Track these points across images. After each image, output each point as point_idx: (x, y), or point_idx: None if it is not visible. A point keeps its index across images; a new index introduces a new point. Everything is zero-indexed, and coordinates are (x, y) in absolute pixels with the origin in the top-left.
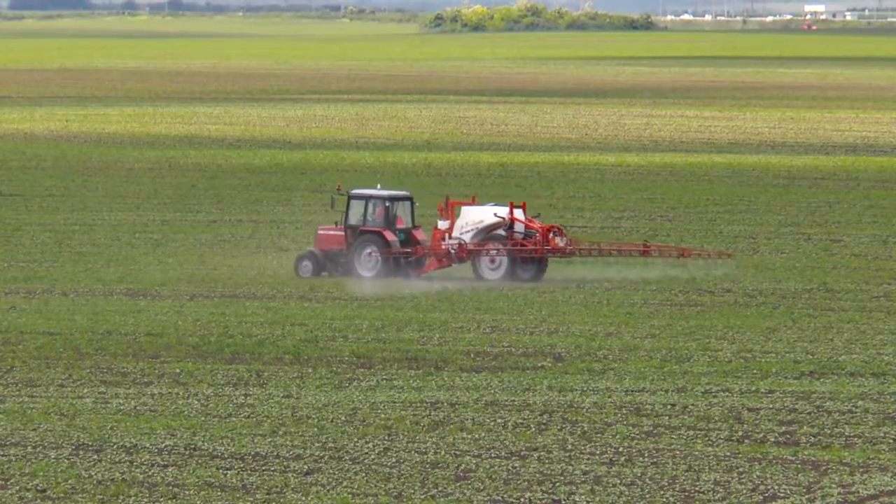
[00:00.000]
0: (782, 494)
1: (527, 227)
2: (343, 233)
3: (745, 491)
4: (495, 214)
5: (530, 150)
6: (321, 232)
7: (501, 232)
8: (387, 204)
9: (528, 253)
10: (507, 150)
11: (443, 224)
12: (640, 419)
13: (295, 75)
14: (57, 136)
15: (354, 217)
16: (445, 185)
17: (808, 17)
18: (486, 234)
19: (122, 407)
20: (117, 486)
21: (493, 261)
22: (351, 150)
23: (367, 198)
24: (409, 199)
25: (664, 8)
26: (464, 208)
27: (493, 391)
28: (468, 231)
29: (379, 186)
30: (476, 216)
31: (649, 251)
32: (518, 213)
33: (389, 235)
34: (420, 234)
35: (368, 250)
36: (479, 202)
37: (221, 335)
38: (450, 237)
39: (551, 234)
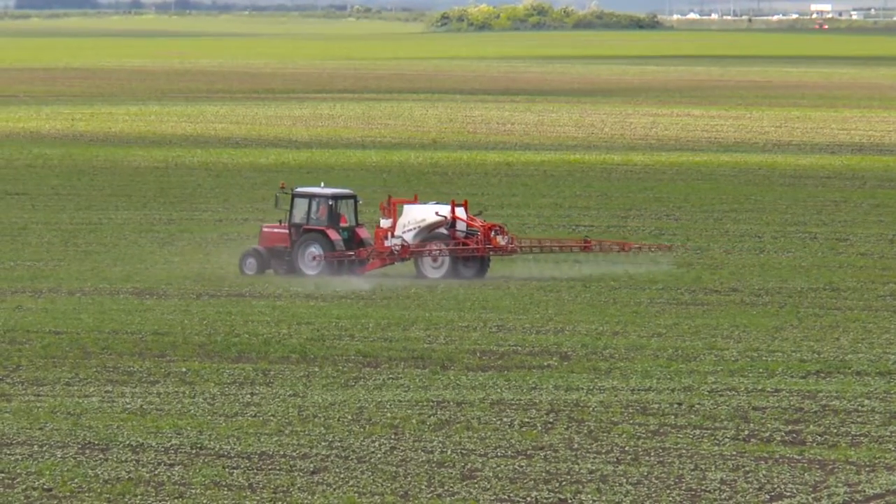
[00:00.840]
0: (788, 493)
1: (468, 225)
2: (287, 231)
3: (751, 490)
4: (437, 213)
5: (536, 149)
6: (265, 230)
7: (443, 230)
8: (330, 202)
9: (469, 252)
10: (513, 149)
11: (385, 222)
12: (646, 418)
13: (301, 74)
14: (63, 135)
15: (298, 215)
16: (451, 184)
17: (816, 15)
18: (429, 232)
19: (128, 406)
20: (123, 485)
21: (435, 259)
22: (357, 149)
23: (311, 196)
24: (353, 197)
25: (670, 7)
26: (406, 207)
27: (499, 390)
28: (410, 230)
29: (323, 185)
30: (418, 215)
31: (590, 246)
32: (460, 212)
33: (333, 234)
34: (364, 233)
35: (312, 252)
36: (422, 201)
37: (228, 334)
38: (392, 236)
39: (493, 233)
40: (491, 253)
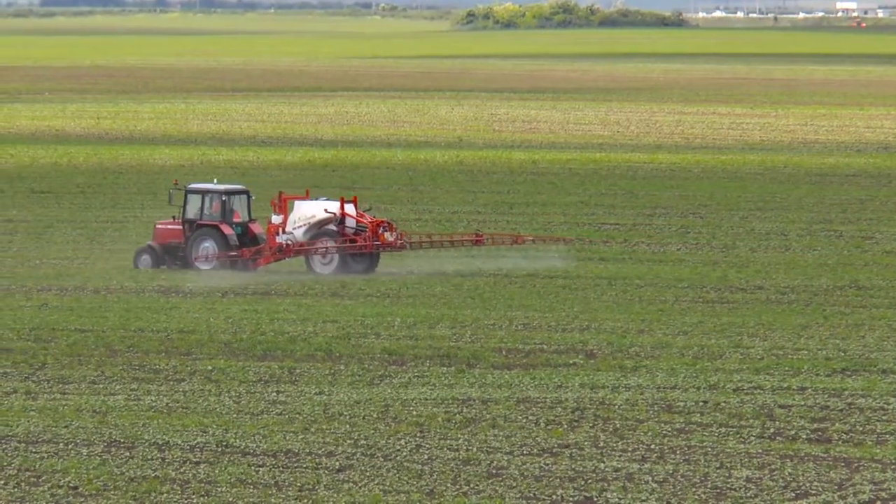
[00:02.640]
0: (814, 491)
1: (357, 221)
2: (181, 227)
3: (776, 488)
4: (326, 210)
5: (562, 147)
6: (159, 226)
7: (333, 227)
8: (223, 198)
9: (357, 249)
10: (539, 148)
11: (276, 219)
12: (671, 416)
13: (326, 72)
14: (88, 134)
15: (192, 211)
16: (476, 181)
17: (841, 14)
18: (318, 228)
19: (154, 404)
20: (149, 484)
21: (324, 256)
22: (382, 147)
23: (204, 192)
24: (246, 192)
25: (696, 5)
26: (296, 203)
27: (524, 388)
28: (300, 226)
29: (215, 181)
30: (308, 211)
31: (482, 240)
32: (349, 209)
33: (226, 229)
34: (257, 228)
35: (205, 249)
36: (312, 197)
37: (253, 332)
38: (283, 232)
39: (381, 229)
40: (379, 250)
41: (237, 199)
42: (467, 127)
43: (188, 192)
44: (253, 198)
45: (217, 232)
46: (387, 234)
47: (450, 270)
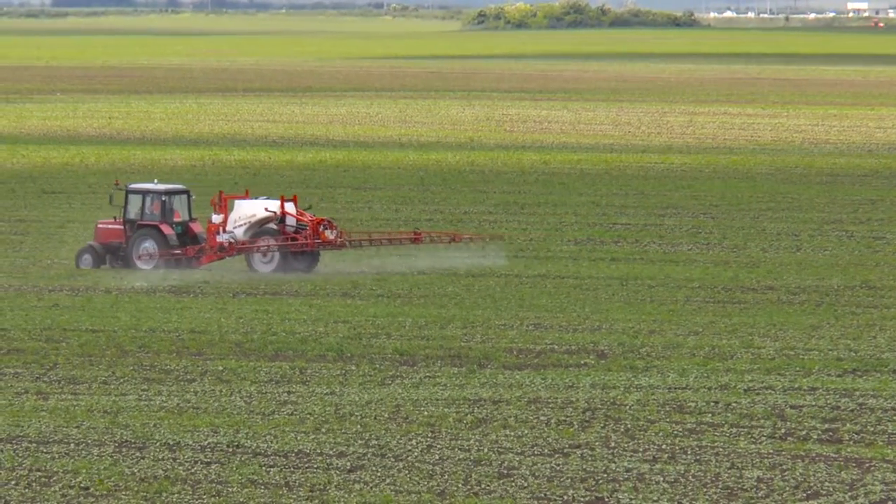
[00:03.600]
0: (825, 492)
1: (298, 220)
2: (122, 227)
3: (787, 488)
4: (266, 209)
5: (573, 148)
6: (100, 226)
7: (273, 226)
8: (163, 198)
9: (298, 247)
10: (550, 148)
11: (217, 218)
12: (683, 416)
13: (338, 72)
14: (100, 134)
15: (133, 211)
16: (487, 182)
17: (853, 14)
18: (259, 227)
19: (165, 404)
20: (160, 484)
21: (265, 254)
22: (394, 147)
23: (145, 192)
24: (186, 192)
25: (707, 5)
26: (236, 202)
27: (535, 388)
28: (241, 225)
29: (156, 181)
30: (248, 210)
31: (420, 238)
32: (289, 207)
33: (166, 229)
34: (197, 227)
35: (145, 249)
36: (253, 196)
37: (264, 332)
38: (224, 231)
39: (321, 227)
40: (319, 248)
41: (177, 198)
42: (478, 127)
43: (129, 192)
44: (193, 197)
45: (157, 232)
46: (327, 233)
47: (456, 269)
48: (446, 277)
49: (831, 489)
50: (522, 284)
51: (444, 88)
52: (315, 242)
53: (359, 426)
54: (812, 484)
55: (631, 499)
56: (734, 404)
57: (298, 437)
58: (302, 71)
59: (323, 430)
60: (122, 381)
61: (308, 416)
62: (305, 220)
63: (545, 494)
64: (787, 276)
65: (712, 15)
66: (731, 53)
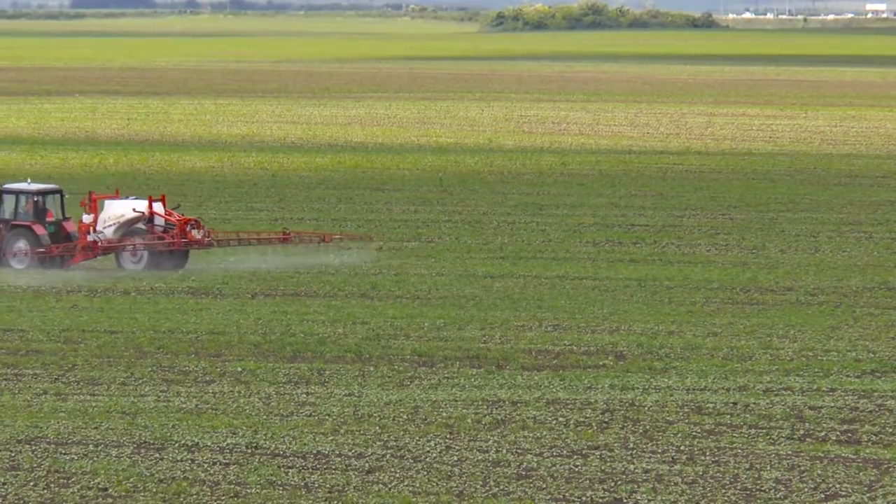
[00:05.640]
0: (844, 493)
1: (166, 220)
2: None
3: (806, 489)
4: (134, 209)
5: (592, 149)
6: None
7: (142, 225)
8: (36, 198)
9: (165, 246)
10: (568, 149)
11: (87, 218)
12: (701, 418)
13: (356, 74)
14: (118, 135)
15: (7, 211)
16: (506, 183)
17: (871, 15)
18: (128, 227)
19: (183, 405)
20: (179, 485)
21: (134, 253)
22: (413, 149)
23: (17, 192)
24: (59, 192)
25: (725, 6)
26: (106, 202)
27: (554, 390)
28: (111, 225)
29: (29, 181)
30: (117, 210)
31: (289, 238)
32: (157, 207)
33: (39, 229)
34: (70, 226)
35: (18, 248)
36: (123, 196)
37: (283, 333)
38: (94, 231)
39: (189, 227)
40: (186, 247)
41: (50, 198)
42: (497, 128)
43: (2, 192)
44: (66, 197)
45: (30, 231)
46: (194, 232)
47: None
48: (465, 279)
49: (850, 490)
50: (541, 285)
51: (463, 90)
52: (182, 242)
53: (377, 427)
54: (830, 485)
55: (649, 500)
56: (753, 405)
57: (317, 439)
58: (320, 72)
59: (341, 431)
60: (140, 382)
61: (327, 417)
62: (173, 219)
63: (564, 495)
64: (806, 278)
65: (731, 16)
66: (749, 55)
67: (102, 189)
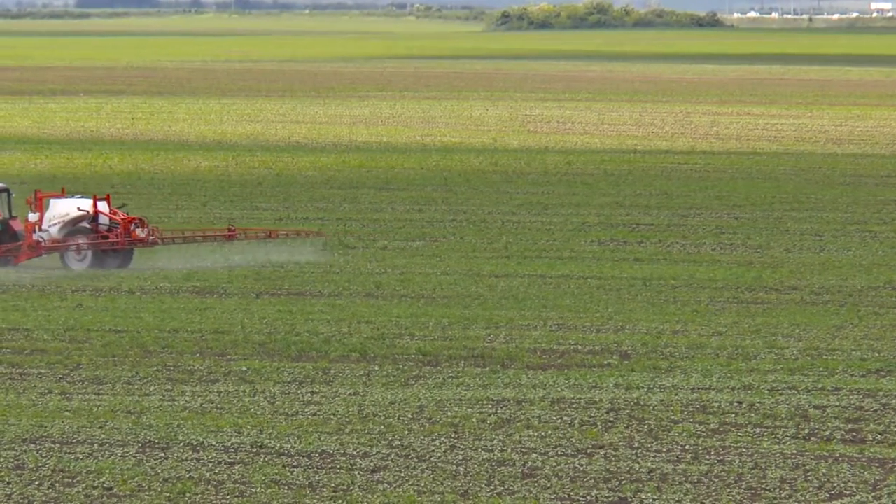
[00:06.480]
0: (848, 492)
1: (110, 219)
2: None
3: (811, 489)
4: (79, 208)
5: (597, 148)
6: None
7: (86, 224)
8: None
9: (109, 245)
10: (574, 148)
11: (33, 216)
12: (706, 417)
13: (361, 73)
14: (122, 134)
15: None
16: (511, 182)
17: (877, 14)
18: (73, 226)
19: (188, 404)
20: (184, 484)
21: (78, 252)
22: (418, 148)
23: None
24: (6, 190)
25: (730, 6)
26: (51, 201)
27: (559, 389)
28: (56, 223)
29: None
30: (62, 209)
31: (234, 235)
32: (102, 206)
33: None
34: (17, 225)
35: None
36: (68, 195)
37: (288, 333)
38: (40, 229)
39: (133, 226)
40: (131, 246)
41: None
42: (502, 128)
43: None
44: (13, 195)
45: None
46: (138, 231)
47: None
48: (469, 278)
49: (854, 489)
50: (546, 285)
51: (468, 89)
52: (126, 241)
53: (382, 427)
54: (835, 484)
55: (654, 499)
56: (757, 405)
57: (322, 438)
58: (325, 71)
59: (346, 430)
60: (145, 381)
61: (331, 416)
62: (117, 218)
63: (568, 495)
64: (811, 277)
65: (736, 15)
66: (754, 54)
67: (106, 189)
